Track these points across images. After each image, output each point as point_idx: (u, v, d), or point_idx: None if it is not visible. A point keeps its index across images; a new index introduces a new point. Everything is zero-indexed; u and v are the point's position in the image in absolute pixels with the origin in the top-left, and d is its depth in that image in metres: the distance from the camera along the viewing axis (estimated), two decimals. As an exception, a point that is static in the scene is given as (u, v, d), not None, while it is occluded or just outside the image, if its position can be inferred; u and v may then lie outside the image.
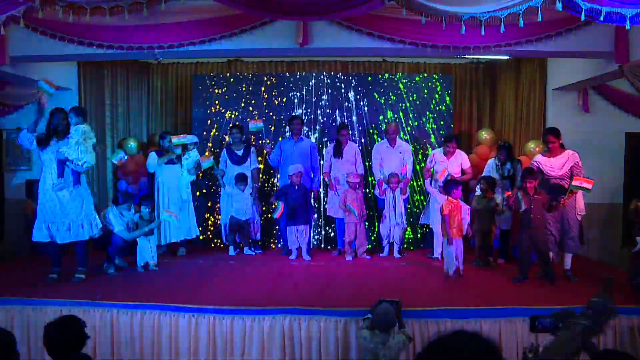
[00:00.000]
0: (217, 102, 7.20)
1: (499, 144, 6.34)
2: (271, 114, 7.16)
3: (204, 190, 7.11)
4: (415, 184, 6.94)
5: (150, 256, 5.52)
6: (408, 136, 7.07)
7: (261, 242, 6.75)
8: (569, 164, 5.12)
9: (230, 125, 6.76)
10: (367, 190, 6.82)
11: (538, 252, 5.01)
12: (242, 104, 7.17)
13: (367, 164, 6.66)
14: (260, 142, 6.71)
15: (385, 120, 7.04)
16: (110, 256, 5.43)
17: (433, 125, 7.12)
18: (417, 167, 6.77)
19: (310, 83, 7.19)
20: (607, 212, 6.72)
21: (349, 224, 6.08)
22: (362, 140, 7.11)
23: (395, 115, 7.10)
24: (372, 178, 6.66)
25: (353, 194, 6.06)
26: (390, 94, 7.14)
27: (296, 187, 6.14)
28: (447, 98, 7.17)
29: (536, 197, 4.94)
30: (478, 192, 5.84)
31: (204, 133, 7.13)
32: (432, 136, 7.09)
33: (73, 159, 4.79)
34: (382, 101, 7.14)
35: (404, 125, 7.08)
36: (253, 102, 7.16)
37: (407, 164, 6.24)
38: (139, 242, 5.49)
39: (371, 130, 7.15)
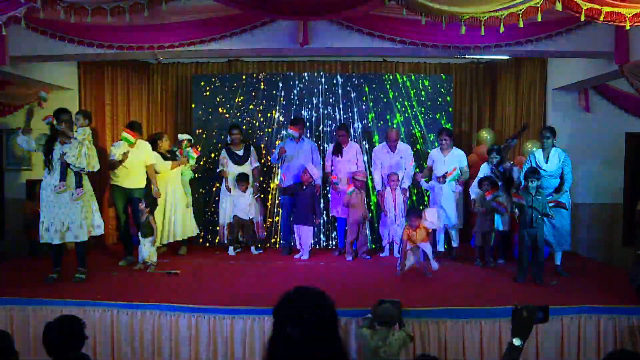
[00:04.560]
0: (217, 102, 7.20)
1: (488, 148, 6.10)
2: (271, 113, 7.16)
3: (202, 191, 7.10)
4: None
5: (147, 256, 5.50)
6: (418, 130, 7.08)
7: (261, 243, 6.74)
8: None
9: (234, 124, 6.72)
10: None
11: (535, 252, 5.01)
12: (242, 104, 7.18)
13: (368, 164, 6.65)
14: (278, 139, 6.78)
15: (386, 120, 7.04)
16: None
17: (441, 123, 7.11)
18: (417, 169, 6.74)
19: (311, 83, 7.19)
20: (608, 212, 6.72)
21: (351, 223, 6.08)
22: (363, 141, 7.10)
23: (389, 109, 7.11)
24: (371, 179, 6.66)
25: (356, 194, 6.04)
26: (391, 94, 7.13)
27: (305, 187, 6.13)
28: (448, 98, 7.17)
29: (538, 197, 4.96)
30: (478, 192, 5.83)
31: (204, 134, 7.14)
32: (431, 136, 7.11)
33: (82, 167, 4.81)
34: (383, 101, 7.14)
35: (402, 125, 7.08)
36: (253, 102, 7.16)
37: (401, 174, 6.19)
38: (141, 241, 5.50)
39: (369, 125, 7.15)
